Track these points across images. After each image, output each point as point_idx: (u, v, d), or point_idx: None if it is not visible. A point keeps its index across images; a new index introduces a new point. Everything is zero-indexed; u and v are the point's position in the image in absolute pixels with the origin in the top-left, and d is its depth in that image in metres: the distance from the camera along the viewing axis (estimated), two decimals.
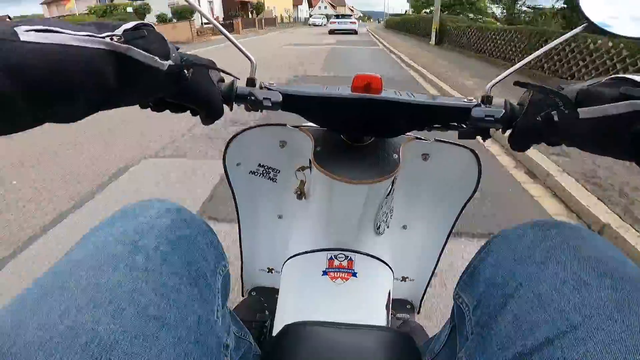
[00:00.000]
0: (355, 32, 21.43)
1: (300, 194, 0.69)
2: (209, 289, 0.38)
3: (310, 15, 62.55)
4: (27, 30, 0.24)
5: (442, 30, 10.87)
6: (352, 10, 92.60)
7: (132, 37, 0.30)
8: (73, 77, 0.25)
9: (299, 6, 67.24)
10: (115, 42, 0.28)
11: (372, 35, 19.42)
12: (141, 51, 0.30)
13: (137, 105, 0.38)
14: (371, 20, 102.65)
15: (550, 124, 0.36)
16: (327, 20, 46.81)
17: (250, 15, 32.60)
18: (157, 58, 0.31)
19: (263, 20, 29.35)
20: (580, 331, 0.28)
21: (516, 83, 0.37)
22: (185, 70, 0.36)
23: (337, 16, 25.37)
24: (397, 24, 21.82)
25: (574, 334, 0.28)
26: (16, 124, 0.25)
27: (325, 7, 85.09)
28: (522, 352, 0.30)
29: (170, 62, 0.33)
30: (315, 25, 40.73)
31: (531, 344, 0.30)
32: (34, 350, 0.24)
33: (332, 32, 21.72)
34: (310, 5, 79.08)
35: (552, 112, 0.36)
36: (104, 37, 0.28)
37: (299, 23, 52.60)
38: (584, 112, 0.32)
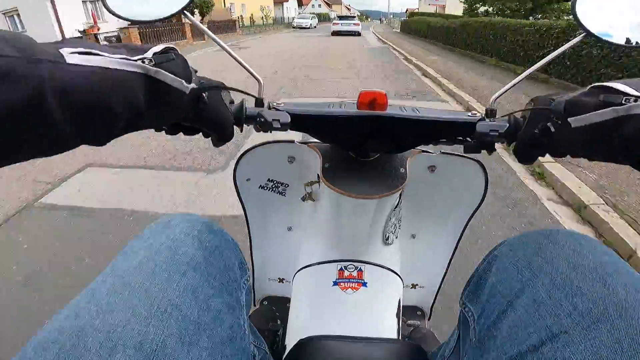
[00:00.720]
0: (358, 34, 20.18)
1: (308, 198, 0.69)
2: (237, 299, 0.41)
3: (300, 14, 47.82)
4: (72, 53, 0.24)
5: None
6: (349, 9, 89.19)
7: (161, 61, 0.31)
8: (111, 98, 0.26)
9: (285, 4, 52.06)
10: (147, 66, 0.29)
11: (403, 58, 9.06)
12: (169, 74, 0.31)
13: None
14: (369, 19, 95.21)
15: (548, 136, 0.37)
16: (318, 22, 36.04)
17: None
18: (183, 81, 0.33)
19: (207, 26, 11.52)
20: (571, 334, 0.29)
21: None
22: (204, 94, 0.37)
23: (341, 17, 24.02)
24: (434, 32, 12.67)
25: (565, 337, 0.30)
26: (60, 146, 0.26)
27: (320, 6, 75.89)
28: (516, 355, 0.31)
29: (193, 85, 0.34)
30: (300, 27, 30.17)
31: (526, 347, 0.31)
32: (95, 350, 0.26)
33: (335, 33, 20.43)
34: (300, 4, 65.74)
35: (548, 124, 0.37)
36: (136, 60, 0.29)
37: (280, 25, 35.72)
38: (574, 121, 0.34)
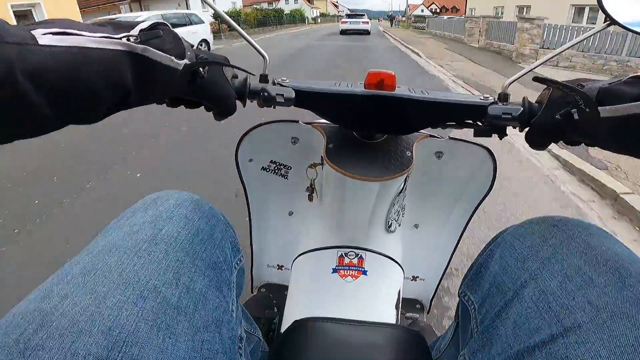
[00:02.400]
0: (368, 33, 19.17)
1: (312, 194, 0.68)
2: (226, 281, 0.39)
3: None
4: (45, 34, 0.24)
5: None
6: (336, 6, 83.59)
7: (148, 37, 0.30)
8: (92, 79, 0.26)
9: None
10: (132, 43, 0.29)
11: None
12: (157, 51, 0.30)
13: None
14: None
15: (570, 123, 0.36)
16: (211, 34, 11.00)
17: None
18: (173, 58, 0.32)
19: None
20: (585, 329, 0.28)
21: (536, 79, 0.36)
22: (201, 69, 0.36)
23: (349, 15, 22.34)
24: None
25: (578, 332, 0.28)
26: (42, 127, 0.26)
27: (296, 1, 59.81)
28: (525, 349, 0.30)
29: (185, 61, 0.34)
30: None
31: (535, 341, 0.30)
32: (58, 335, 0.24)
33: (343, 32, 19.46)
34: None
35: (572, 110, 0.35)
36: (120, 38, 0.28)
37: None
38: (605, 110, 0.32)
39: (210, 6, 0.45)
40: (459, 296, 0.47)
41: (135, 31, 0.30)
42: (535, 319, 0.31)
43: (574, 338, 0.28)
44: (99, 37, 0.27)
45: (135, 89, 0.30)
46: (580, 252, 0.34)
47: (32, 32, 0.24)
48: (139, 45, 0.29)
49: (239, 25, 0.45)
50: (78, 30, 0.26)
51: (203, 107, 0.43)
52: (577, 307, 0.30)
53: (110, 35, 0.28)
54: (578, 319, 0.29)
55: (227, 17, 0.45)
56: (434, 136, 0.59)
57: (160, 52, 0.30)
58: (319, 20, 50.61)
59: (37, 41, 0.23)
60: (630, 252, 0.35)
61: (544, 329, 0.30)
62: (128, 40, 0.28)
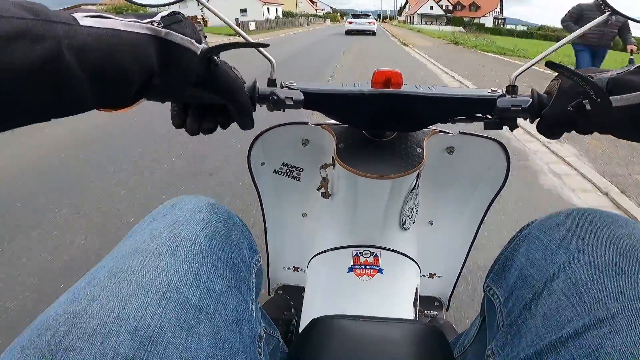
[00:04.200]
0: (374, 33, 19.04)
1: (325, 193, 0.69)
2: (244, 281, 0.40)
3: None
4: (85, 17, 0.26)
5: None
6: (313, 3, 78.63)
7: (169, 22, 0.32)
8: (123, 59, 0.28)
9: None
10: (156, 27, 0.31)
11: None
12: (178, 34, 0.32)
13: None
14: (343, 19, 62.53)
15: (583, 113, 0.36)
16: None
17: None
18: (193, 41, 0.33)
19: None
20: (619, 320, 0.27)
21: (548, 64, 0.36)
22: (215, 56, 0.37)
23: (355, 16, 22.23)
24: None
25: (612, 322, 0.28)
26: (79, 104, 0.27)
27: None
28: (556, 340, 0.30)
29: (204, 45, 0.35)
30: None
31: (567, 333, 0.29)
32: (88, 336, 0.25)
33: (349, 32, 19.43)
34: None
35: (584, 102, 0.35)
36: (146, 23, 0.30)
37: None
38: (616, 100, 0.32)
39: (211, 11, 0.45)
40: (483, 290, 0.46)
41: (157, 17, 0.32)
42: (566, 310, 0.31)
43: (608, 328, 0.28)
44: (129, 21, 0.29)
45: (159, 72, 0.31)
46: (610, 243, 0.34)
47: (73, 15, 0.26)
48: (162, 29, 0.31)
49: None
50: (111, 15, 0.28)
51: (220, 127, 0.45)
52: (609, 297, 0.29)
53: (137, 20, 0.30)
54: (611, 309, 0.28)
55: (229, 22, 0.46)
56: (444, 131, 0.59)
57: (181, 35, 0.32)
58: (251, 27, 23.37)
59: (78, 22, 0.25)
60: None
61: (576, 320, 0.30)
62: (152, 24, 0.30)
